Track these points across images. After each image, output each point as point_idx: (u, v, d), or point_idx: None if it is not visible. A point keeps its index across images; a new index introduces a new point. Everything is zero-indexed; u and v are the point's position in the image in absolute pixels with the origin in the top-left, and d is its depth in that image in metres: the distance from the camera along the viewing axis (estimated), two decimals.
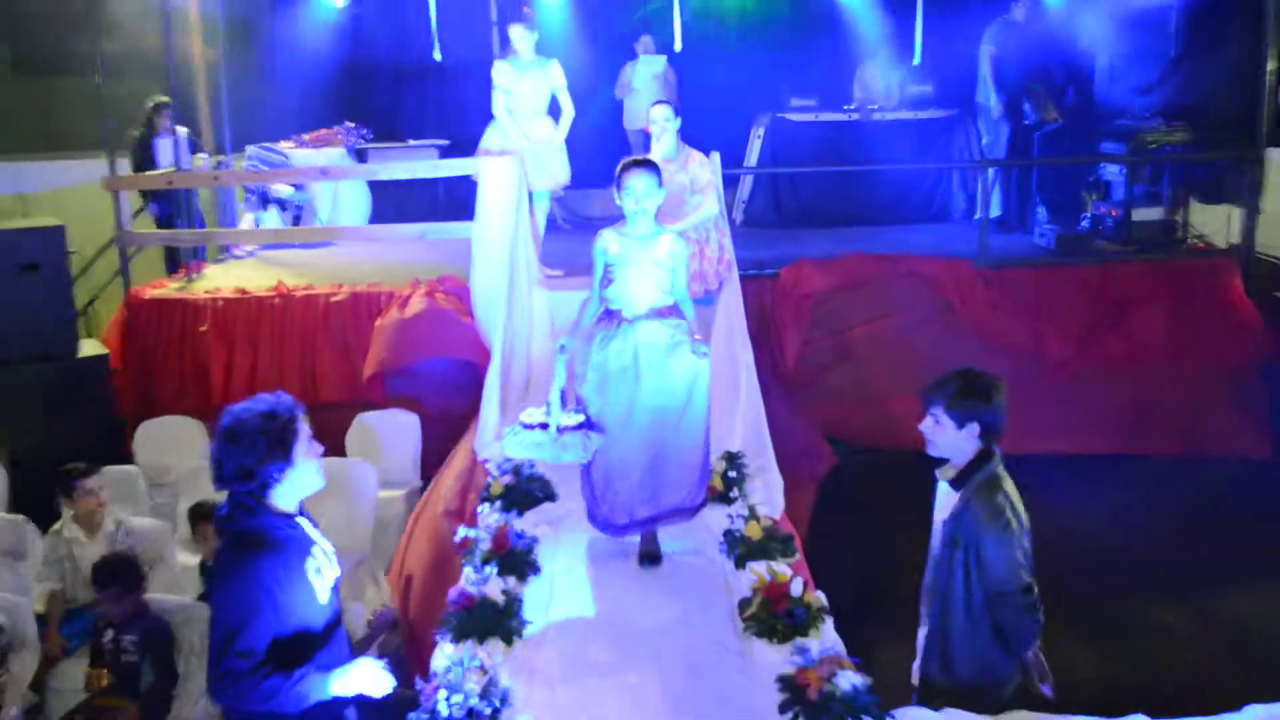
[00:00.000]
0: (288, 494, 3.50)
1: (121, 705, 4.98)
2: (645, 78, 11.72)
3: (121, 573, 5.15)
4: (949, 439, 3.87)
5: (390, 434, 7.70)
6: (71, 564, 5.92)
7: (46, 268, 7.87)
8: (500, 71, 8.44)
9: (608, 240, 5.06)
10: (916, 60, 11.12)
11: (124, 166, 9.98)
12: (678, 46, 10.53)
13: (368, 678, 3.45)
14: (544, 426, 4.88)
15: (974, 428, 3.83)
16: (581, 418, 4.94)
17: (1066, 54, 11.17)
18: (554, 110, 8.70)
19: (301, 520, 3.58)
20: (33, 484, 7.09)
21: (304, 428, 3.48)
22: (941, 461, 3.98)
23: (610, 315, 5.10)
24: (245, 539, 3.41)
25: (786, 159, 11.30)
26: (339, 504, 6.55)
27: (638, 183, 4.95)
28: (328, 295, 8.56)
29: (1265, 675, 5.67)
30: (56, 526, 6.04)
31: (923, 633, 4.10)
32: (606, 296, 5.10)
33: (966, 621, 3.87)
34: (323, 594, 3.51)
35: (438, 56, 10.94)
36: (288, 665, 3.36)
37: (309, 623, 3.46)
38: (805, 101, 11.70)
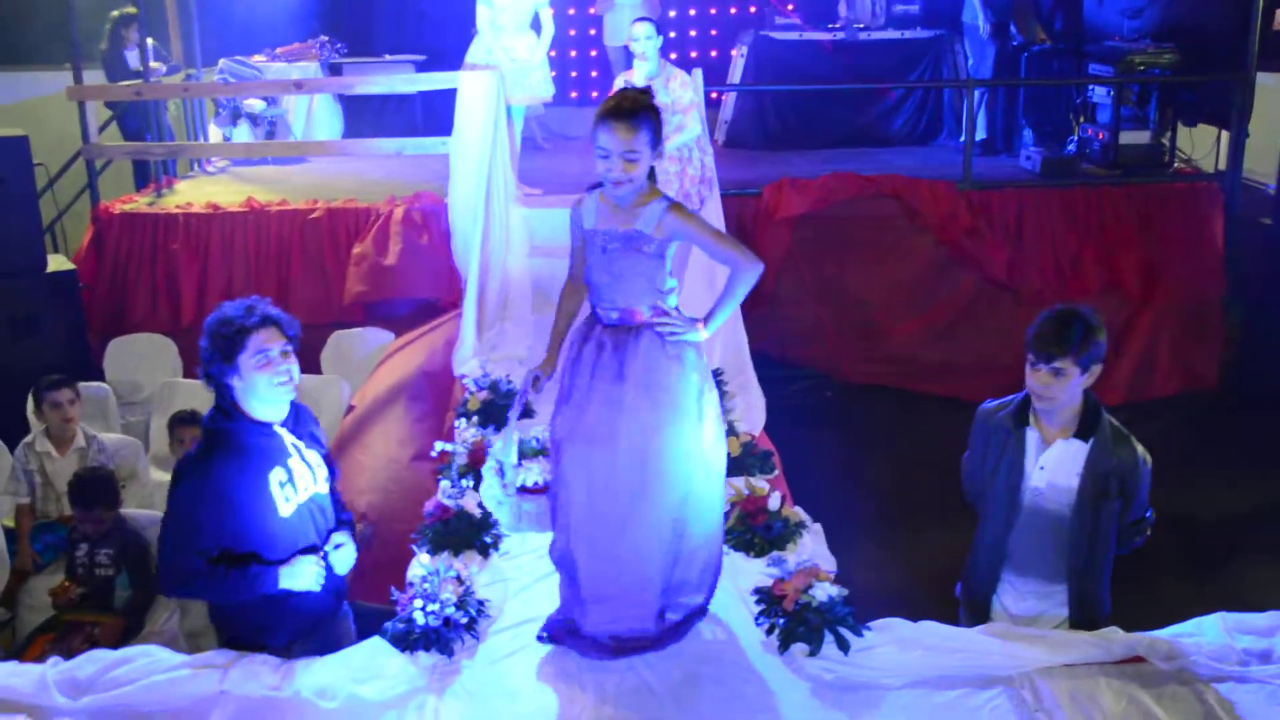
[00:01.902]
0: (252, 403, 3.56)
1: (96, 620, 5.01)
2: None
3: (99, 489, 5.17)
4: (1070, 389, 3.64)
5: (364, 350, 7.71)
6: (43, 478, 5.92)
7: (11, 180, 7.76)
8: None
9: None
10: None
11: (94, 79, 9.85)
12: None
13: (307, 574, 3.60)
14: (500, 473, 4.01)
15: (1096, 370, 3.66)
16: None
17: None
18: (536, 25, 8.62)
19: (282, 431, 3.63)
20: (3, 401, 7.08)
21: (255, 340, 3.48)
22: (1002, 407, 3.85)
23: None
24: (212, 440, 3.54)
25: (770, 78, 11.22)
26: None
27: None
28: (304, 212, 8.51)
29: None
30: (29, 438, 6.04)
31: (1055, 590, 3.86)
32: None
33: (1112, 561, 3.83)
34: (284, 507, 3.58)
35: None
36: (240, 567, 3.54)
37: (265, 531, 3.56)
38: (789, 19, 11.65)
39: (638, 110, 3.62)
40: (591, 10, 11.74)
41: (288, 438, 3.65)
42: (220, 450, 3.53)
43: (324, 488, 3.76)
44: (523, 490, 3.95)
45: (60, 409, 5.99)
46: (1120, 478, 3.68)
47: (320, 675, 3.75)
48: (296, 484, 3.63)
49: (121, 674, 3.78)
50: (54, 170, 9.55)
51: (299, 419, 3.76)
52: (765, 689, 3.71)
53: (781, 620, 3.89)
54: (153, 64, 10.15)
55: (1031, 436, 3.75)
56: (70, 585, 5.12)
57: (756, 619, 4.00)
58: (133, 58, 10.13)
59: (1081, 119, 10.18)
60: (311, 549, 3.69)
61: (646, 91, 3.77)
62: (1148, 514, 3.82)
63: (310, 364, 7.56)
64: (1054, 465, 3.72)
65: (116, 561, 5.10)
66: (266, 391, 3.54)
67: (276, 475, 3.56)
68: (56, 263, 8.18)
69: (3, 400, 6.96)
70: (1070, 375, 3.59)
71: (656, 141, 3.68)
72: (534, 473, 4.00)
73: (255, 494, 3.52)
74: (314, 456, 3.74)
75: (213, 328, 3.52)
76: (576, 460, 3.76)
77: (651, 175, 3.74)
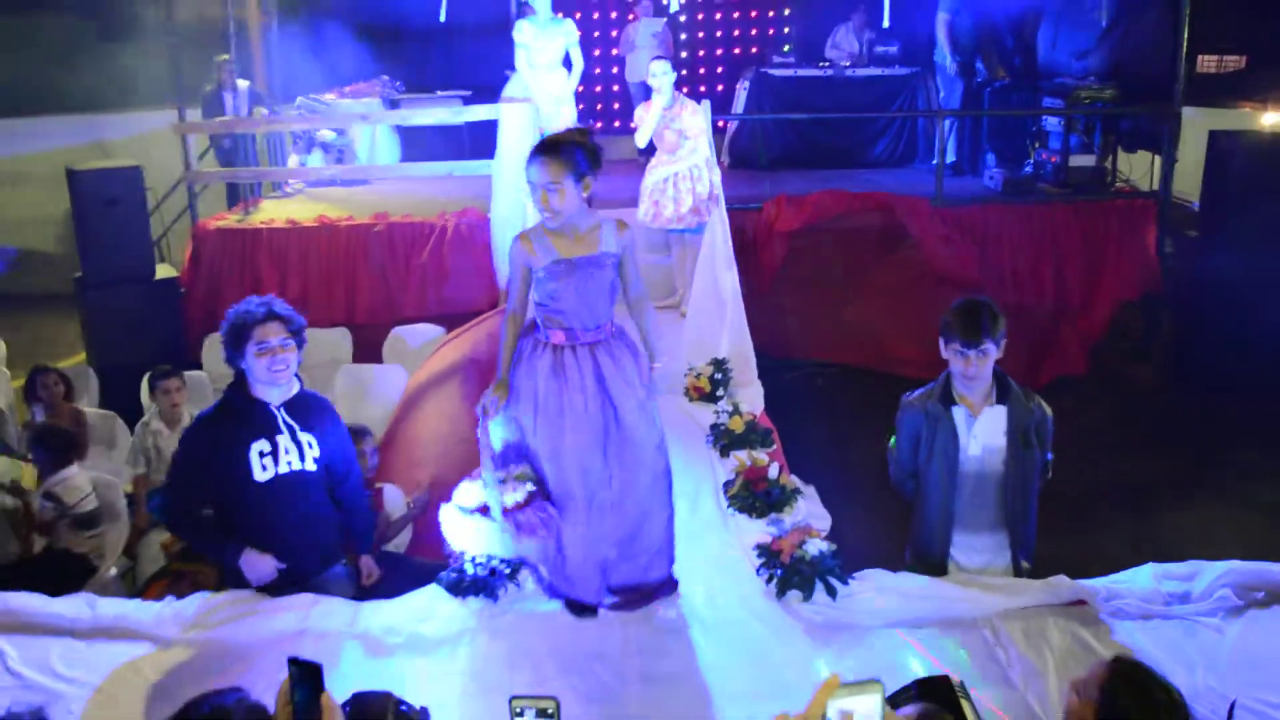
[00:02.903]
0: (254, 383, 3.71)
1: (198, 568, 5.08)
2: (645, 36, 11.64)
3: None
4: (989, 366, 3.67)
5: (419, 343, 7.73)
6: (156, 452, 6.00)
7: (127, 202, 7.91)
8: (522, 30, 8.37)
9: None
10: (886, 23, 10.98)
11: (194, 116, 9.97)
12: (674, 7, 10.45)
13: (261, 568, 3.80)
14: (484, 511, 3.73)
15: (1003, 344, 3.68)
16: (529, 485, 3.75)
17: (1014, 21, 11.07)
18: (567, 63, 8.65)
19: (279, 411, 3.74)
20: (119, 388, 7.20)
21: (258, 332, 3.63)
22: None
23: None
24: (217, 404, 3.82)
25: (768, 108, 11.23)
26: (375, 401, 6.68)
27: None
28: (368, 227, 8.57)
29: None
30: (144, 419, 6.12)
31: (999, 538, 3.85)
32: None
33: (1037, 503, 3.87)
34: (260, 472, 3.70)
35: (442, 18, 11.20)
36: (222, 520, 3.80)
37: (239, 490, 3.70)
38: (785, 59, 11.67)
39: (558, 147, 3.52)
40: (614, 51, 11.80)
41: (283, 417, 3.75)
42: (219, 412, 3.78)
43: (311, 467, 3.80)
44: (509, 511, 3.67)
45: (169, 394, 6.05)
46: (1035, 428, 3.74)
47: (386, 616, 3.83)
48: (279, 457, 3.73)
49: (221, 612, 3.88)
50: (160, 194, 9.64)
51: (308, 408, 3.83)
52: (766, 628, 3.75)
53: (779, 571, 3.93)
54: (256, 111, 10.26)
55: (959, 414, 3.76)
56: (174, 538, 5.20)
57: (758, 570, 4.04)
58: (228, 98, 10.21)
59: (1037, 145, 10.16)
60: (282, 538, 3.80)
61: (583, 131, 3.63)
62: (1049, 457, 3.85)
63: (374, 355, 7.65)
64: (985, 431, 3.74)
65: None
66: (264, 375, 3.66)
67: (259, 445, 3.69)
68: (163, 271, 8.33)
69: (122, 386, 7.07)
70: (990, 354, 3.65)
71: (583, 174, 3.54)
72: (518, 493, 3.70)
73: (235, 455, 3.67)
74: (309, 439, 3.79)
75: (229, 319, 3.70)
76: (623, 459, 3.74)
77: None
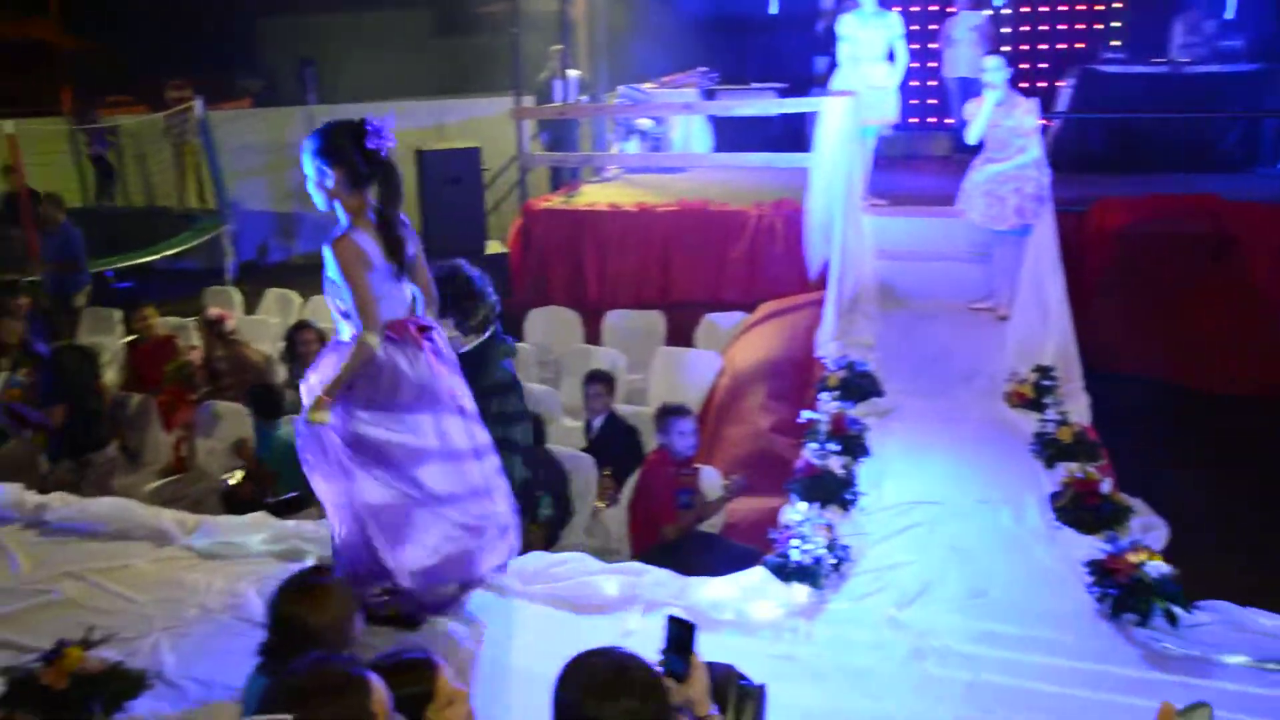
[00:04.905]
0: None
1: (526, 527, 5.41)
2: (964, 30, 11.30)
3: (540, 431, 5.53)
4: None
5: (728, 328, 7.83)
6: None
7: (466, 181, 8.49)
8: (846, 23, 8.36)
9: None
10: (1229, 14, 10.15)
11: (528, 103, 10.56)
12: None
13: None
14: None
15: None
16: None
17: None
18: (890, 56, 8.55)
19: None
20: None
21: None
22: None
23: None
24: None
25: (1095, 106, 10.64)
26: (689, 382, 6.88)
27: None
28: (683, 212, 8.76)
29: None
30: None
31: None
32: None
33: None
34: None
35: (774, 10, 10.99)
36: None
37: None
38: (1115, 54, 11.02)
39: (314, 138, 3.55)
40: (931, 45, 11.54)
41: None
42: None
43: None
44: None
45: None
46: None
47: (713, 591, 3.97)
48: None
49: (560, 571, 4.16)
50: (490, 175, 10.28)
51: None
52: (1099, 648, 3.62)
53: (1114, 591, 3.77)
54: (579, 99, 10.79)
55: None
56: None
57: (1088, 587, 3.89)
58: (558, 86, 10.74)
59: None
60: None
61: (356, 123, 3.53)
62: None
63: (685, 338, 7.86)
64: None
65: (544, 485, 5.45)
66: None
67: None
68: (492, 246, 8.84)
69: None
70: None
71: (325, 172, 3.52)
72: None
73: None
74: None
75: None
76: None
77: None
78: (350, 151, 3.50)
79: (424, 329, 3.70)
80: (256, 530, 4.55)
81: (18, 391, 6.43)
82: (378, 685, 2.05)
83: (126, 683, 3.37)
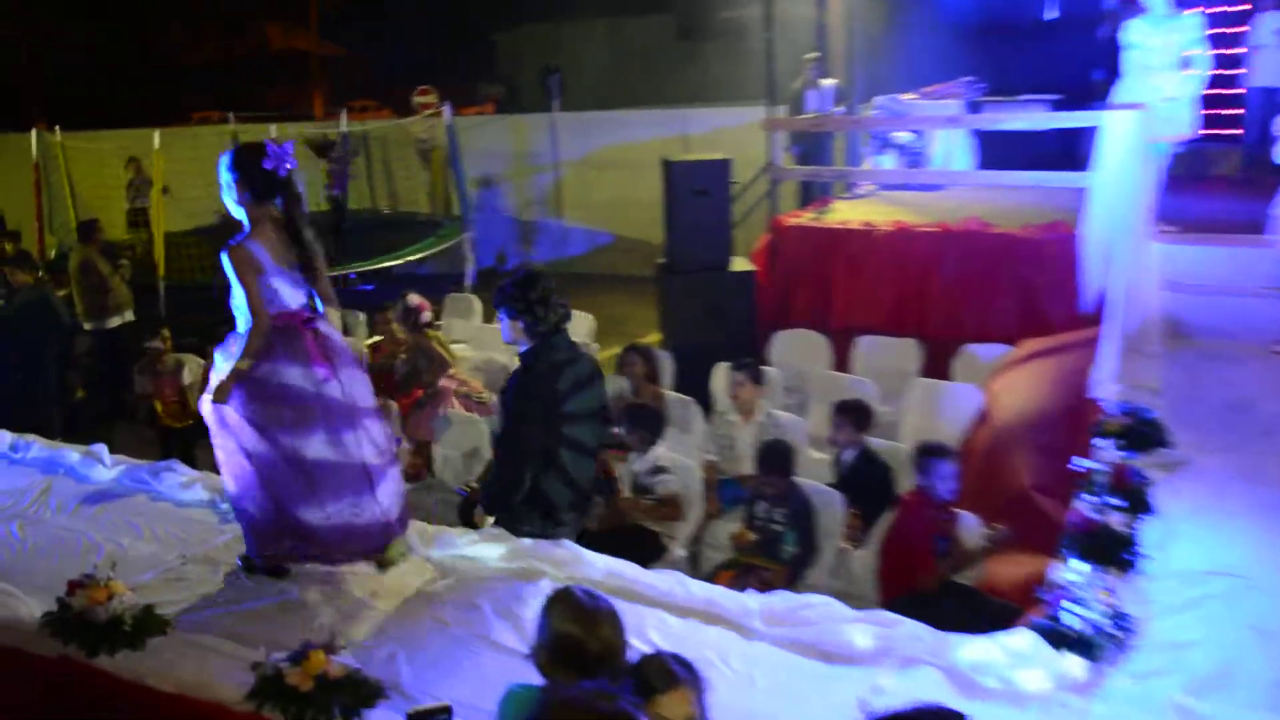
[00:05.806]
0: None
1: (769, 566, 5.20)
2: (1267, 33, 10.33)
3: (780, 458, 5.37)
4: None
5: (988, 360, 7.40)
6: (728, 442, 6.29)
7: (714, 194, 8.38)
8: (1134, 30, 7.76)
9: None
10: None
11: (779, 113, 10.39)
12: None
13: None
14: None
15: None
16: None
17: None
18: (1183, 64, 7.88)
19: None
20: (690, 372, 7.65)
21: None
22: None
23: None
24: None
25: None
26: (946, 419, 6.54)
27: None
28: (944, 235, 8.31)
29: None
30: (721, 409, 6.44)
31: None
32: None
33: None
34: None
35: (1051, 15, 10.41)
36: None
37: None
38: None
39: (227, 155, 4.10)
40: (1231, 50, 10.60)
41: None
42: None
43: None
44: None
45: (744, 386, 6.33)
46: None
47: (975, 651, 3.66)
48: None
49: (808, 615, 3.95)
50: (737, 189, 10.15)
51: None
52: None
53: None
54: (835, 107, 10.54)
55: None
56: (746, 533, 5.35)
57: None
58: (811, 96, 10.53)
59: None
60: None
61: (259, 145, 4.07)
62: None
63: (940, 370, 7.48)
64: None
65: (789, 521, 5.26)
66: None
67: None
68: (737, 263, 8.71)
69: (699, 370, 7.49)
70: None
71: (232, 186, 4.07)
72: None
73: None
74: None
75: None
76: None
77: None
78: (251, 169, 4.07)
79: (308, 320, 4.20)
80: (494, 545, 4.57)
81: None
82: None
83: (365, 690, 3.44)
